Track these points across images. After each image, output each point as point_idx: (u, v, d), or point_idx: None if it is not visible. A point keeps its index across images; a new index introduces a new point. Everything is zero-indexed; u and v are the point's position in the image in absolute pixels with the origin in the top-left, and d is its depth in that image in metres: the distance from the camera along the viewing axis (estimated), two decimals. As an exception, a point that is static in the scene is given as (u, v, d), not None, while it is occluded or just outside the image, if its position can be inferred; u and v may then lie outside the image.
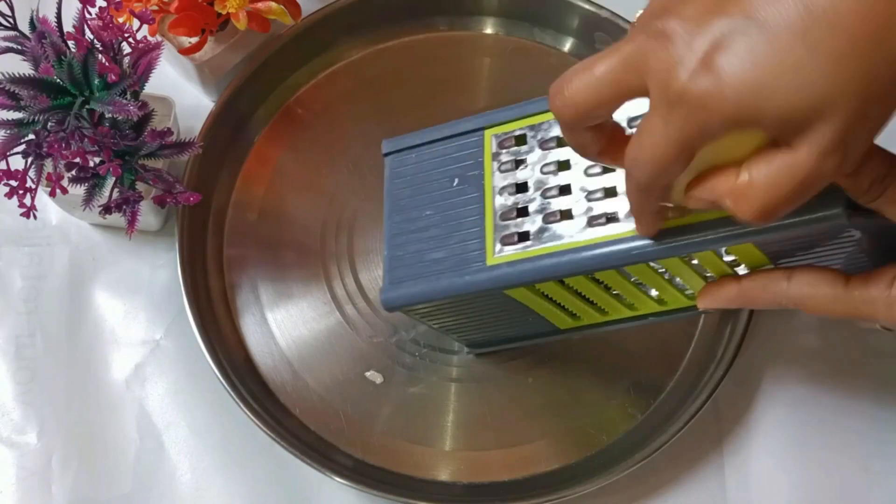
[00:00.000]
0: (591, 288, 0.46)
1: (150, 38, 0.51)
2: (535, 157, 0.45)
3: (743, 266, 0.43)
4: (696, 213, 0.39)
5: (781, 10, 0.28)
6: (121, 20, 0.50)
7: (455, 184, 0.48)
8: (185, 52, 0.58)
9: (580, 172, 0.43)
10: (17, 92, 0.47)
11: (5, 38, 0.49)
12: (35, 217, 0.49)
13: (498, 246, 0.45)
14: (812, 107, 0.29)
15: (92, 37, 0.49)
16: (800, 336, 0.59)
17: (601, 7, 0.63)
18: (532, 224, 0.44)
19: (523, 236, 0.44)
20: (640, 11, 0.34)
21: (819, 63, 0.28)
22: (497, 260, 0.44)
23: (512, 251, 0.44)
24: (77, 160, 0.48)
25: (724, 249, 0.42)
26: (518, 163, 0.45)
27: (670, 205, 0.37)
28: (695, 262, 0.43)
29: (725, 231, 0.38)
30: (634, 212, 0.39)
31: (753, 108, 0.29)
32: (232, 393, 0.54)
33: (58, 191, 0.49)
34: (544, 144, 0.44)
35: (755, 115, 0.29)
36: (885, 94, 0.29)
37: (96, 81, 0.48)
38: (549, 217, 0.44)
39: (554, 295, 0.47)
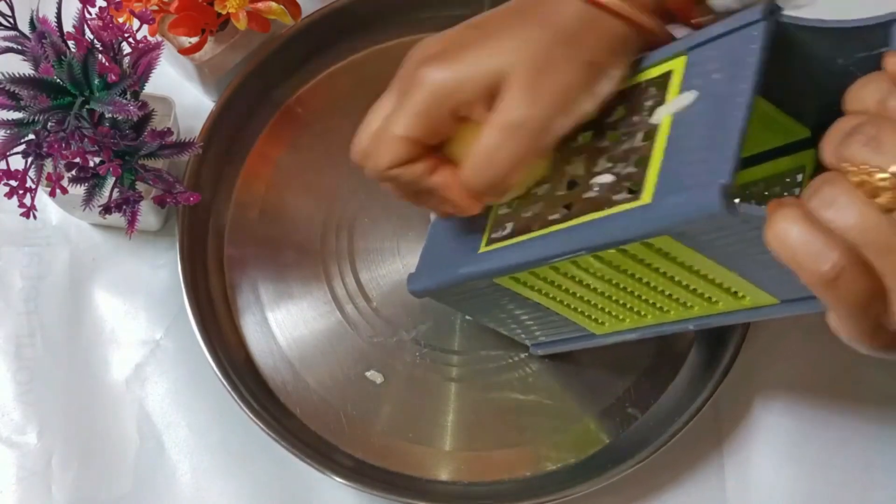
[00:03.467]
0: (574, 286, 0.46)
1: (150, 38, 0.51)
2: None
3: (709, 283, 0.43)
4: (607, 209, 0.39)
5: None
6: (121, 20, 0.50)
7: None
8: (185, 52, 0.58)
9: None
10: (17, 92, 0.47)
11: (5, 38, 0.49)
12: (35, 217, 0.49)
13: (489, 236, 0.46)
14: (495, 72, 0.40)
15: (92, 37, 0.48)
16: (800, 337, 0.59)
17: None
18: (516, 214, 0.45)
19: (506, 226, 0.45)
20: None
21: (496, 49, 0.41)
22: (484, 249, 0.46)
23: (496, 242, 0.45)
24: (77, 160, 0.48)
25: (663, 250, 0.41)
26: None
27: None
28: (665, 271, 0.43)
29: (627, 224, 0.38)
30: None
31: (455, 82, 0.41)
32: (232, 393, 0.54)
33: (58, 191, 0.49)
34: None
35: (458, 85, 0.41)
36: (550, 60, 0.40)
37: (96, 81, 0.48)
38: (523, 209, 0.44)
39: (539, 288, 0.47)
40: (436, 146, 0.43)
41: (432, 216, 0.53)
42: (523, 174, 0.42)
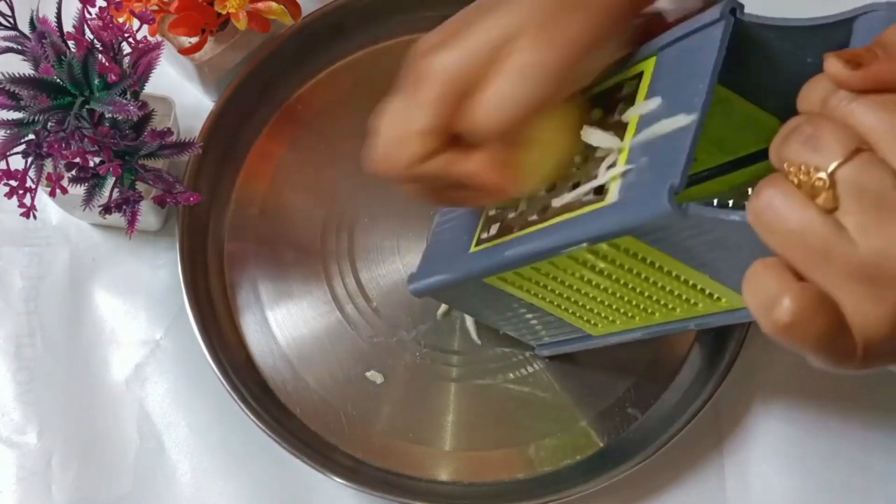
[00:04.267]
0: (559, 287, 0.46)
1: (150, 38, 0.51)
2: None
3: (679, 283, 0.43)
4: (580, 208, 0.39)
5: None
6: (121, 20, 0.50)
7: None
8: (185, 52, 0.58)
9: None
10: (17, 92, 0.47)
11: (5, 38, 0.49)
12: (35, 217, 0.49)
13: (478, 237, 0.46)
14: (504, 36, 0.39)
15: (92, 37, 0.48)
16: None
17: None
18: (502, 216, 0.45)
19: (492, 227, 0.45)
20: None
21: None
22: (474, 250, 0.46)
23: (484, 242, 0.45)
24: (77, 160, 0.48)
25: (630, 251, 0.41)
26: None
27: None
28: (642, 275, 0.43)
29: (600, 221, 0.39)
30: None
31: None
32: (232, 393, 0.54)
33: (58, 191, 0.49)
34: None
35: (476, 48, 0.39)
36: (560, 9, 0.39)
37: (96, 81, 0.48)
38: (510, 210, 0.45)
39: (528, 288, 0.47)
40: (456, 137, 0.41)
41: (436, 217, 0.53)
42: (541, 125, 0.40)
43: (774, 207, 0.29)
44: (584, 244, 0.40)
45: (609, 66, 0.42)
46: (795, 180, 0.29)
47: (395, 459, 0.56)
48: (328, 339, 0.59)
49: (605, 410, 0.58)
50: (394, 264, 0.61)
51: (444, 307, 0.59)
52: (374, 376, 0.58)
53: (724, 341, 0.56)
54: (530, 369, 0.58)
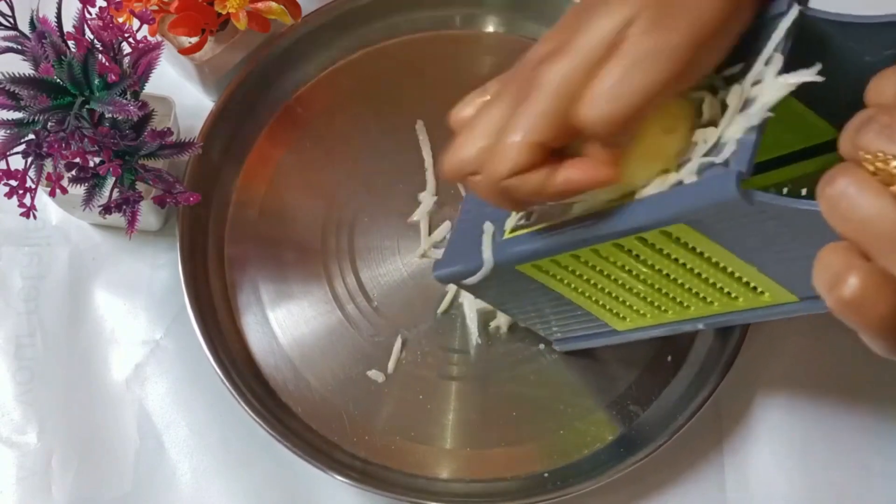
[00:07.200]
0: (596, 276, 0.46)
1: (150, 38, 0.51)
2: None
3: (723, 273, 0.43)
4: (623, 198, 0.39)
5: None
6: (121, 20, 0.50)
7: None
8: (185, 52, 0.58)
9: None
10: (17, 92, 0.47)
11: (5, 38, 0.49)
12: (35, 217, 0.49)
13: (512, 223, 0.45)
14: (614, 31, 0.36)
15: (92, 37, 0.48)
16: (799, 336, 0.59)
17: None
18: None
19: (529, 214, 0.44)
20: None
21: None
22: (508, 236, 0.45)
23: (519, 229, 0.45)
24: (77, 160, 0.48)
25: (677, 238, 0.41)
26: None
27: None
28: (676, 259, 0.42)
29: (649, 209, 0.38)
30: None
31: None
32: (233, 392, 0.54)
33: (58, 191, 0.49)
34: None
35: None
36: None
37: (96, 81, 0.48)
38: None
39: (561, 277, 0.47)
40: (556, 153, 0.39)
41: (464, 194, 0.52)
42: (656, 118, 0.38)
43: (849, 195, 0.30)
44: (637, 232, 0.39)
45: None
46: (871, 167, 0.30)
47: (396, 458, 0.56)
48: (329, 339, 0.59)
49: (606, 408, 0.58)
50: (394, 264, 0.61)
51: (443, 305, 0.59)
52: (376, 375, 0.58)
53: (725, 339, 0.56)
54: (530, 368, 0.58)
